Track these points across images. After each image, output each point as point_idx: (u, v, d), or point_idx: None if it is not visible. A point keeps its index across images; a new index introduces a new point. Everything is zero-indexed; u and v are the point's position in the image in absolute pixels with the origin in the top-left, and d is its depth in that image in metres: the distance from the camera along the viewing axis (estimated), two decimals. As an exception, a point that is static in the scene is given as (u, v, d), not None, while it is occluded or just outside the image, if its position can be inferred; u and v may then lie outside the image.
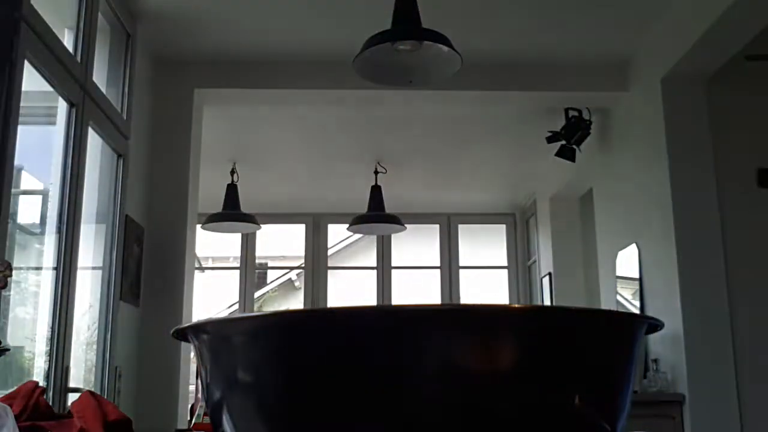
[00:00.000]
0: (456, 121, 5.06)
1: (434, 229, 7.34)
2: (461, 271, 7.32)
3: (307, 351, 0.34)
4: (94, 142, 3.13)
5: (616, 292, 4.51)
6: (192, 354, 3.84)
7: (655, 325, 0.38)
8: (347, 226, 5.57)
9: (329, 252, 7.53)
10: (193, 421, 3.38)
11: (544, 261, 6.34)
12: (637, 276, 4.14)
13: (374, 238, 7.13)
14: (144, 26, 3.68)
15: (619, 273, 4.48)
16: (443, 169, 6.10)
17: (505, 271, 7.34)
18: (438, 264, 7.30)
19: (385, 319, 0.34)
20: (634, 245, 4.20)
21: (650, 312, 3.92)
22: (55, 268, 2.76)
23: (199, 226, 4.46)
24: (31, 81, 2.51)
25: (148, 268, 3.83)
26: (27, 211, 3.31)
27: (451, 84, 3.44)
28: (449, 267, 7.28)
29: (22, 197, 3.11)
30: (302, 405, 0.34)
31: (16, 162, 2.37)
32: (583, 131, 4.53)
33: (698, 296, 3.55)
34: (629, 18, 3.73)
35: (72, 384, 2.78)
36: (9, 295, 2.57)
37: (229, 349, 0.36)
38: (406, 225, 5.46)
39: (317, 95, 4.15)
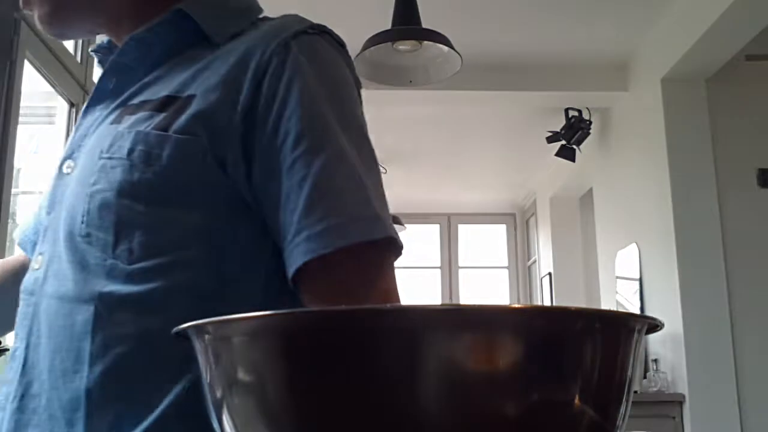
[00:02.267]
0: (456, 121, 5.06)
1: (434, 229, 7.35)
2: (461, 271, 7.33)
3: (307, 351, 0.34)
4: (94, 142, 3.13)
5: (616, 292, 4.51)
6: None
7: (654, 325, 0.38)
8: (347, 226, 5.56)
9: (329, 252, 7.53)
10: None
11: (544, 261, 6.34)
12: (637, 276, 4.15)
13: (374, 238, 7.12)
14: (144, 26, 3.69)
15: (618, 273, 4.49)
16: (443, 169, 6.10)
17: (506, 271, 7.34)
18: (438, 264, 7.30)
19: (384, 320, 0.34)
20: (634, 245, 4.21)
21: (650, 312, 3.92)
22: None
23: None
24: (31, 81, 2.51)
25: (148, 268, 3.82)
26: (27, 211, 3.31)
27: (451, 84, 3.44)
28: (449, 267, 7.28)
29: (22, 197, 3.11)
30: (302, 405, 0.34)
31: (16, 162, 2.37)
32: (583, 131, 4.53)
33: (698, 296, 3.55)
34: (629, 18, 3.73)
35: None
36: (9, 295, 2.57)
37: (229, 349, 0.36)
38: (406, 225, 5.46)
39: (317, 95, 4.14)
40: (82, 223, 0.69)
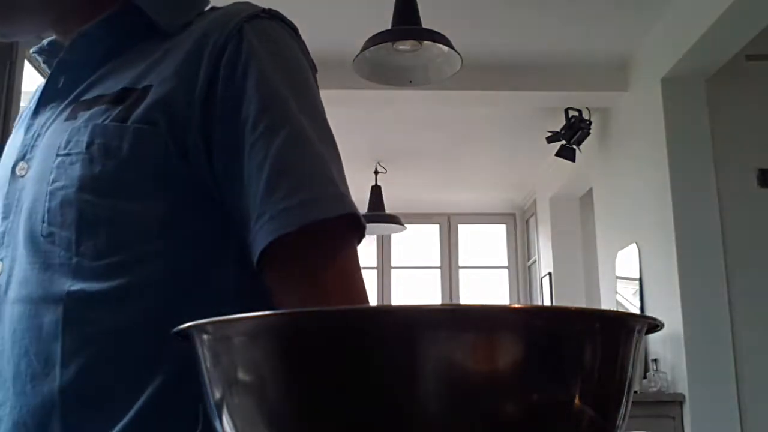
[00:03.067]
0: (456, 121, 5.06)
1: (434, 229, 7.35)
2: (461, 271, 7.32)
3: (307, 351, 0.34)
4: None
5: (616, 292, 4.51)
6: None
7: (654, 325, 0.38)
8: (347, 226, 5.56)
9: (329, 252, 7.51)
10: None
11: (544, 261, 6.34)
12: (637, 276, 4.15)
13: (374, 238, 7.14)
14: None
15: (618, 273, 4.49)
16: (443, 169, 6.10)
17: (505, 271, 7.34)
18: (438, 264, 7.30)
19: (384, 320, 0.34)
20: (634, 245, 4.21)
21: (650, 312, 3.92)
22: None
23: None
24: (31, 81, 2.51)
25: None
26: None
27: (451, 84, 3.44)
28: (449, 267, 7.28)
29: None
30: (302, 405, 0.34)
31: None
32: (583, 131, 4.53)
33: (698, 296, 3.55)
34: (629, 18, 3.73)
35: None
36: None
37: (229, 349, 0.36)
38: (406, 225, 5.46)
39: (317, 95, 4.14)
40: (44, 222, 0.68)
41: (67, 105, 0.75)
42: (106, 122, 0.68)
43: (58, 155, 0.69)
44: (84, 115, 0.71)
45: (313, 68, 0.78)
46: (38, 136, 0.75)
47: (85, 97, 0.74)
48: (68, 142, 0.69)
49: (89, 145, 0.68)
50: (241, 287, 0.70)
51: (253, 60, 0.69)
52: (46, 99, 0.78)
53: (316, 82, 0.77)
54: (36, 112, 0.78)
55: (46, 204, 0.68)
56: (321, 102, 0.75)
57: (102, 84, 0.74)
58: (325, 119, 0.73)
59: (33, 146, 0.75)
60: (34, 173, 0.72)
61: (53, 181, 0.68)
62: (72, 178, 0.67)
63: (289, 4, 3.46)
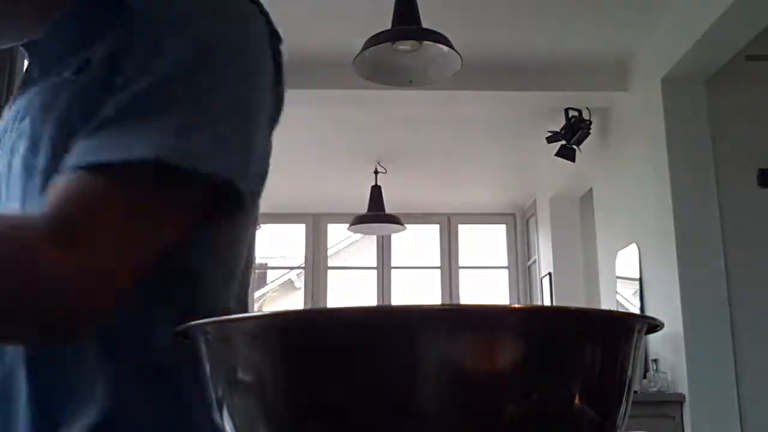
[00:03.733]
0: (456, 121, 5.05)
1: (434, 229, 7.34)
2: (461, 271, 7.32)
3: (307, 351, 0.34)
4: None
5: (616, 292, 4.51)
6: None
7: (654, 325, 0.38)
8: (347, 226, 5.57)
9: (329, 252, 7.53)
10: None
11: (544, 261, 6.34)
12: (636, 276, 4.15)
13: (374, 238, 7.13)
14: (144, 26, 3.68)
15: (618, 273, 4.48)
16: (443, 169, 6.10)
17: (505, 271, 7.34)
18: (438, 264, 7.30)
19: (384, 320, 0.34)
20: (634, 245, 4.21)
21: (650, 312, 3.92)
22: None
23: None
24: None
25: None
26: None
27: (451, 84, 3.44)
28: (449, 267, 7.27)
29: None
30: (302, 405, 0.34)
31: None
32: (583, 131, 4.53)
33: (698, 296, 3.55)
34: (629, 18, 3.73)
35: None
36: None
37: (229, 349, 0.36)
38: (406, 225, 5.46)
39: (317, 95, 4.15)
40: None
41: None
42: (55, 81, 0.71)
43: (15, 123, 0.72)
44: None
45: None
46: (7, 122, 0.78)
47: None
48: (21, 108, 0.73)
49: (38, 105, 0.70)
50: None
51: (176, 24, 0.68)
52: (21, 90, 0.80)
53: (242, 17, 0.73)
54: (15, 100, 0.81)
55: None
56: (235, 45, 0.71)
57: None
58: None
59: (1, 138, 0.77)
60: (5, 159, 0.74)
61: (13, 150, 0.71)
62: (24, 134, 0.70)
63: (289, 4, 3.47)
